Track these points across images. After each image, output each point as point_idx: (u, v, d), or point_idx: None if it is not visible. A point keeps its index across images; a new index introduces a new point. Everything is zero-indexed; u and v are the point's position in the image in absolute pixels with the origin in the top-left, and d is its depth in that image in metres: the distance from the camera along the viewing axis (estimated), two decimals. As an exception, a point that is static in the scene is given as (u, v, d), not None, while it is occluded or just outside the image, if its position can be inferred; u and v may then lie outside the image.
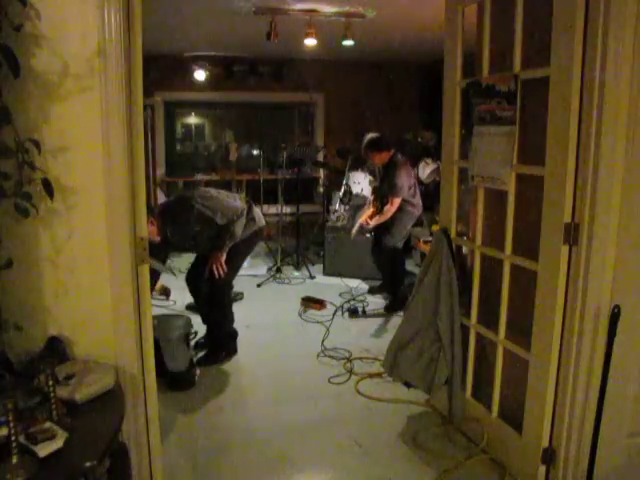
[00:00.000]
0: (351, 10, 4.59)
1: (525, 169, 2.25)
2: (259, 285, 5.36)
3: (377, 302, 4.82)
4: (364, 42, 5.47)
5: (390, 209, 4.59)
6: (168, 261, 6.01)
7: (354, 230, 5.05)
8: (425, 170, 6.21)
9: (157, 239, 3.33)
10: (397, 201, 4.56)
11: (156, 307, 4.41)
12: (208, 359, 3.63)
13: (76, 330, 1.82)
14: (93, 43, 1.67)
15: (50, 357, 1.69)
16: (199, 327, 3.94)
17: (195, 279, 3.81)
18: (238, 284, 4.10)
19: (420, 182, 6.17)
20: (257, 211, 3.81)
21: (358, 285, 5.29)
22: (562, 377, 2.12)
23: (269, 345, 3.92)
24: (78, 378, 1.64)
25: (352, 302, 4.73)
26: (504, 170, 2.30)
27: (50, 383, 1.46)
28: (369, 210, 5.07)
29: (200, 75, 7.00)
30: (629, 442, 2.23)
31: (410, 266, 5.65)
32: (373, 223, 4.74)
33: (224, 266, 3.43)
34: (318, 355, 3.70)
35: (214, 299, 3.67)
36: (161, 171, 7.44)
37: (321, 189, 7.16)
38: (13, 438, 1.25)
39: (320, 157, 7.04)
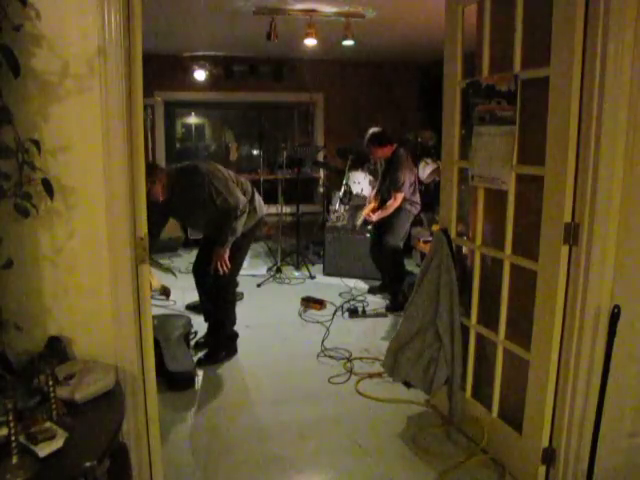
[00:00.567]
0: (351, 10, 4.59)
1: (525, 169, 2.25)
2: (259, 285, 5.36)
3: (377, 302, 4.82)
4: (364, 42, 5.47)
5: (393, 204, 4.58)
6: (168, 261, 6.04)
7: (358, 222, 5.05)
8: (425, 170, 6.21)
9: (160, 199, 3.33)
10: (400, 196, 4.55)
11: (156, 307, 4.41)
12: (208, 359, 3.63)
13: (76, 330, 1.82)
14: (93, 43, 1.67)
15: (50, 357, 1.69)
16: (199, 327, 3.95)
17: (201, 273, 3.80)
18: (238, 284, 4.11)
19: (420, 182, 6.17)
20: (258, 198, 3.78)
21: (358, 285, 5.30)
22: (562, 377, 2.12)
23: (269, 345, 3.92)
24: (78, 378, 1.64)
25: (352, 302, 4.72)
26: (504, 170, 2.30)
27: (50, 383, 1.46)
28: (371, 204, 5.07)
29: (200, 75, 7.01)
30: (629, 442, 2.23)
31: (410, 266, 5.65)
32: (375, 218, 4.73)
33: (228, 263, 3.44)
34: (318, 355, 3.70)
35: (219, 298, 3.68)
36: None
37: (321, 189, 7.17)
38: (13, 438, 1.25)
39: (320, 157, 7.04)
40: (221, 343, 3.72)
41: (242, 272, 4.02)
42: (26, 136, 1.61)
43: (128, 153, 1.77)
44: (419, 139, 6.74)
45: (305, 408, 3.03)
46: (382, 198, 4.85)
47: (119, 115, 1.72)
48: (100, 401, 1.62)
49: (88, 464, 1.31)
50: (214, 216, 3.43)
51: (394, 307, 4.59)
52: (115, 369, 1.78)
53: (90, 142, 1.72)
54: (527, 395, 2.27)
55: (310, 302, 4.70)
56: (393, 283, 4.76)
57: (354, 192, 6.07)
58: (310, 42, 4.92)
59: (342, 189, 6.01)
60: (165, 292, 4.82)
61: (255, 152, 7.84)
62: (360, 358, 3.64)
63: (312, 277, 5.62)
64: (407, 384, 2.84)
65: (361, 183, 6.14)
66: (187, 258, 6.35)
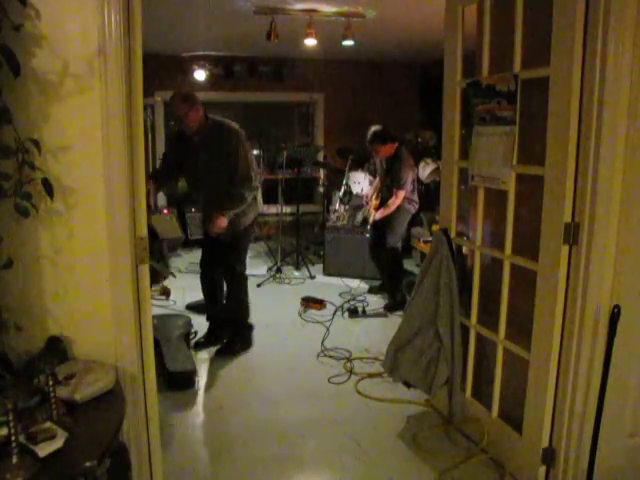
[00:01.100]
0: (351, 10, 4.59)
1: (525, 169, 2.25)
2: (259, 285, 5.36)
3: (377, 302, 4.82)
4: (364, 42, 5.47)
5: (395, 202, 4.59)
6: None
7: (359, 218, 5.04)
8: (425, 170, 6.21)
9: (190, 129, 3.34)
10: (402, 193, 4.56)
11: (156, 307, 4.41)
12: (225, 351, 3.69)
13: (76, 330, 1.82)
14: (93, 43, 1.67)
15: (50, 357, 1.69)
16: (199, 327, 3.95)
17: (208, 271, 3.82)
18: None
19: (420, 182, 6.17)
20: (259, 195, 3.76)
21: (358, 285, 5.30)
22: (562, 377, 2.12)
23: (269, 345, 3.91)
24: (78, 378, 1.64)
25: (352, 302, 4.73)
26: (504, 170, 2.30)
27: (50, 383, 1.46)
28: (374, 201, 5.09)
29: (200, 75, 7.01)
30: (629, 442, 2.23)
31: (410, 266, 5.66)
32: (378, 216, 4.73)
33: (221, 229, 3.39)
34: (318, 355, 3.70)
35: (231, 292, 3.74)
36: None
37: (321, 189, 7.16)
38: (13, 438, 1.25)
39: (320, 157, 7.04)
40: (237, 334, 3.78)
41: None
42: (26, 136, 1.61)
43: (128, 153, 1.77)
44: (419, 139, 6.74)
45: (305, 408, 3.03)
46: (382, 197, 4.85)
47: (119, 115, 1.72)
48: (100, 401, 1.62)
49: (88, 464, 1.31)
50: (224, 180, 3.38)
51: (392, 306, 4.61)
52: (115, 369, 1.78)
53: (90, 142, 1.72)
54: (527, 395, 2.27)
55: (310, 302, 4.70)
56: (391, 282, 4.77)
57: (354, 192, 6.07)
58: (310, 42, 4.92)
59: (342, 189, 6.01)
60: (165, 292, 4.82)
61: (255, 152, 7.83)
62: (360, 358, 3.64)
63: (312, 277, 5.62)
64: (407, 384, 2.84)
65: (361, 183, 6.14)
66: (187, 258, 6.35)
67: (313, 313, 4.56)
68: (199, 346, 3.82)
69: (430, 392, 2.71)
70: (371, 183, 5.94)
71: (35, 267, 1.76)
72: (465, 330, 2.65)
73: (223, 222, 3.37)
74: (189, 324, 3.86)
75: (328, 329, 4.12)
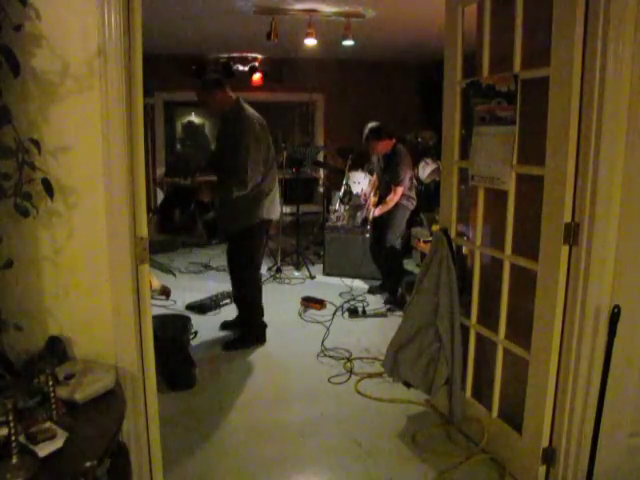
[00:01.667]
0: (351, 10, 4.59)
1: (525, 169, 2.25)
2: (259, 285, 5.36)
3: (377, 302, 4.82)
4: (364, 42, 5.47)
5: (393, 198, 4.61)
6: (168, 261, 6.04)
7: (371, 215, 5.03)
8: (425, 170, 6.21)
9: (218, 111, 3.53)
10: (400, 190, 4.58)
11: (156, 307, 4.40)
12: (233, 344, 3.75)
13: (76, 330, 1.82)
14: (93, 43, 1.67)
15: (50, 357, 1.70)
16: (199, 327, 3.95)
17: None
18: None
19: (420, 182, 6.18)
20: (274, 200, 3.76)
21: (358, 285, 5.30)
22: (562, 377, 2.12)
23: (269, 345, 3.91)
24: (78, 378, 1.64)
25: (352, 302, 4.72)
26: (504, 170, 2.30)
27: (50, 383, 1.46)
28: (372, 198, 5.09)
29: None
30: (629, 442, 2.23)
31: (410, 266, 5.66)
32: (377, 212, 4.74)
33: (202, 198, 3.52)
34: (318, 355, 3.70)
35: (241, 282, 3.79)
36: (161, 171, 7.44)
37: (321, 189, 7.17)
38: (13, 438, 1.25)
39: (320, 157, 7.04)
40: (249, 328, 3.85)
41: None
42: (26, 136, 1.61)
43: (128, 153, 1.77)
44: (419, 139, 6.74)
45: (305, 408, 3.03)
46: (381, 194, 4.86)
47: (119, 115, 1.72)
48: (100, 401, 1.62)
49: (88, 464, 1.31)
50: (222, 165, 3.47)
51: (393, 301, 4.62)
52: (115, 369, 1.78)
53: (90, 142, 1.72)
54: (527, 395, 2.27)
55: (310, 302, 4.70)
56: (391, 279, 4.79)
57: (354, 192, 6.07)
58: (310, 42, 4.92)
59: (342, 189, 6.01)
60: (165, 292, 4.81)
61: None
62: (360, 358, 3.64)
63: (312, 277, 5.61)
64: (407, 384, 2.84)
65: (361, 183, 6.14)
66: (187, 258, 6.35)
67: (313, 313, 4.55)
68: (227, 327, 4.02)
69: (430, 392, 2.71)
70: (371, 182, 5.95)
71: (35, 267, 1.76)
72: (465, 330, 2.65)
73: (206, 195, 3.53)
74: (189, 324, 3.86)
75: (328, 329, 4.12)
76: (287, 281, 5.52)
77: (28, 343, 1.76)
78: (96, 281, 1.80)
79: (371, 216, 4.84)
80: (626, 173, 1.96)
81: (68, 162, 1.72)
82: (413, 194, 4.79)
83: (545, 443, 2.20)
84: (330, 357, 3.67)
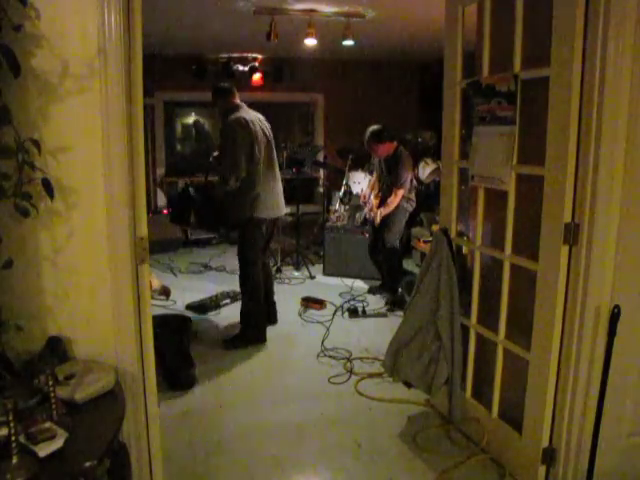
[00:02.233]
0: (351, 10, 4.59)
1: (525, 169, 2.25)
2: (259, 285, 5.35)
3: (377, 302, 4.82)
4: (364, 42, 5.47)
5: (394, 200, 4.62)
6: (168, 261, 6.04)
7: (378, 219, 5.03)
8: (425, 170, 6.21)
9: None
10: (401, 192, 4.60)
11: (156, 307, 4.40)
12: (235, 341, 3.78)
13: (76, 330, 1.82)
14: (93, 43, 1.67)
15: (50, 357, 1.69)
16: (199, 327, 3.95)
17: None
18: (237, 285, 4.10)
19: (420, 182, 6.17)
20: (275, 198, 3.87)
21: (358, 285, 5.29)
22: (562, 377, 2.12)
23: (269, 345, 3.91)
24: (78, 378, 1.64)
25: (352, 302, 4.72)
26: (504, 170, 2.30)
27: (50, 383, 1.46)
28: (374, 201, 5.08)
29: (200, 75, 7.00)
30: (629, 442, 2.23)
31: (410, 266, 5.66)
32: (380, 218, 4.73)
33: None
34: (318, 355, 3.70)
35: (241, 278, 3.87)
36: (161, 171, 7.44)
37: (321, 189, 7.16)
38: (13, 438, 1.25)
39: (320, 157, 7.04)
40: (246, 329, 3.86)
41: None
42: (26, 136, 1.61)
43: (128, 153, 1.77)
44: (419, 139, 6.74)
45: (305, 408, 3.03)
46: (383, 196, 4.86)
47: (119, 115, 1.72)
48: (100, 401, 1.62)
49: (88, 464, 1.31)
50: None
51: (395, 301, 4.62)
52: (115, 369, 1.78)
53: (90, 142, 1.72)
54: (527, 395, 2.27)
55: (310, 302, 4.70)
56: (391, 279, 4.80)
57: (354, 192, 6.07)
58: (310, 42, 4.92)
59: (342, 189, 6.01)
60: (165, 292, 4.81)
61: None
62: (360, 358, 3.64)
63: (312, 277, 5.61)
64: (407, 384, 2.84)
65: (361, 183, 6.13)
66: (187, 258, 6.35)
67: (313, 313, 4.55)
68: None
69: (430, 392, 2.70)
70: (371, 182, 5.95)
71: (35, 267, 1.76)
72: (465, 330, 2.65)
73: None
74: (189, 324, 3.86)
75: (328, 329, 4.12)
76: (287, 281, 5.52)
77: (28, 343, 1.76)
78: (96, 281, 1.80)
79: (378, 219, 4.76)
80: (626, 173, 1.96)
81: (68, 162, 1.72)
82: (413, 196, 4.81)
83: (545, 443, 2.20)
84: (330, 357, 3.67)
